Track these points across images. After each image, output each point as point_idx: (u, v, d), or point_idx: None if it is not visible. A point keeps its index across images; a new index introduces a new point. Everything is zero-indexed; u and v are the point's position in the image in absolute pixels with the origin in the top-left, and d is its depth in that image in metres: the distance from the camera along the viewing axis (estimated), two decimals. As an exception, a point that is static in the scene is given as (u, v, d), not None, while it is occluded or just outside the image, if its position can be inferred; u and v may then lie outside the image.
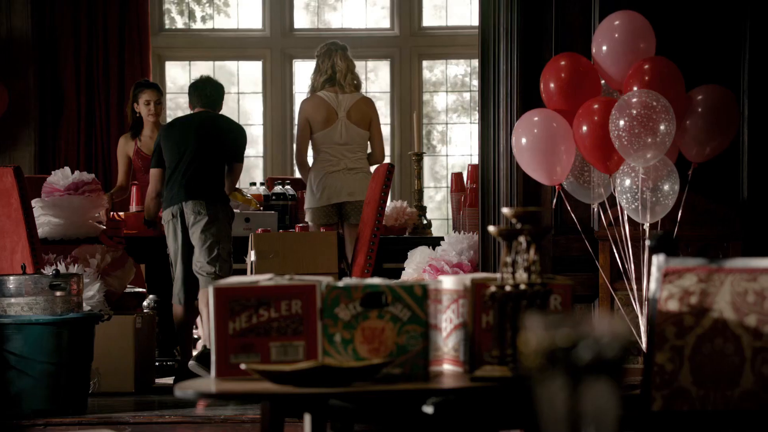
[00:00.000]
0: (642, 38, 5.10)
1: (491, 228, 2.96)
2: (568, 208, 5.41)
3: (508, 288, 2.91)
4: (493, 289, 2.90)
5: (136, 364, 6.52)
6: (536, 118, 5.15)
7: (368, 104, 7.54)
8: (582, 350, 1.13)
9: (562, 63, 5.19)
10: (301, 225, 7.17)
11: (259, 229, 6.87)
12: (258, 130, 11.01)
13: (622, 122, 4.91)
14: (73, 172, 6.98)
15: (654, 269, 2.75)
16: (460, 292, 3.07)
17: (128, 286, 7.03)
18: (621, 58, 5.08)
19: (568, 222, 5.73)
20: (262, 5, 10.88)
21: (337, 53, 7.37)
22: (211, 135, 6.91)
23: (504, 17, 5.69)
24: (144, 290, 7.29)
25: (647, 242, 2.83)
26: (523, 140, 5.13)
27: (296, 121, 7.58)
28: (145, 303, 7.22)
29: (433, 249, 6.41)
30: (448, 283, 3.12)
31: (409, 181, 10.37)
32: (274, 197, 7.78)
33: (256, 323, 2.94)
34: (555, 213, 5.72)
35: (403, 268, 6.51)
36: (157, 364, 6.98)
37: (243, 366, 2.84)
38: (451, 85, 11.23)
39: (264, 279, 3.02)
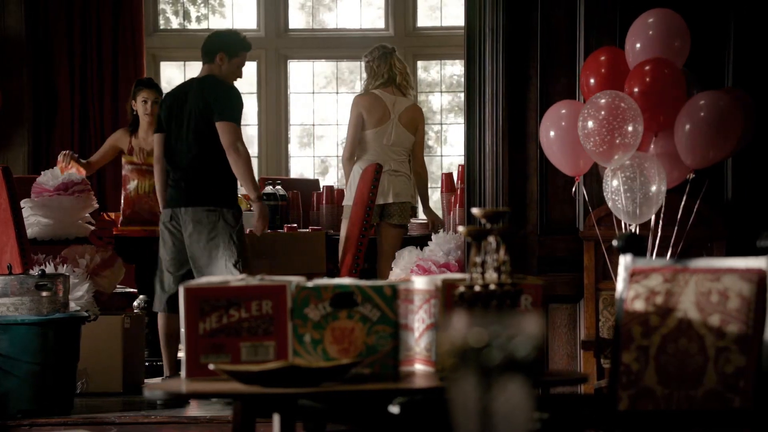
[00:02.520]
0: (677, 36, 5.09)
1: (460, 228, 2.97)
2: (586, 201, 5.42)
3: (477, 288, 2.91)
4: (461, 289, 2.91)
5: (125, 365, 6.53)
6: (563, 111, 5.17)
7: (418, 111, 7.51)
8: (493, 350, 1.14)
9: (602, 58, 5.19)
10: (290, 225, 7.18)
11: (248, 230, 6.87)
12: (253, 131, 11.02)
13: (590, 123, 4.94)
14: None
15: (621, 269, 2.76)
16: (431, 292, 3.08)
17: (118, 286, 7.04)
18: (656, 54, 5.06)
19: (553, 222, 5.74)
20: (256, 5, 10.89)
21: (393, 56, 7.35)
22: (190, 105, 6.25)
23: (489, 18, 5.69)
24: (135, 290, 7.29)
25: (614, 243, 2.83)
26: (551, 133, 5.14)
27: (349, 116, 7.43)
28: (135, 303, 7.22)
29: (421, 249, 6.42)
30: (420, 283, 3.13)
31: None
32: (264, 197, 7.77)
33: (226, 323, 2.95)
34: (540, 213, 5.73)
35: (391, 269, 6.52)
36: (147, 364, 6.98)
37: (211, 366, 2.85)
38: (447, 85, 11.24)
39: (235, 279, 3.03)
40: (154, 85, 7.73)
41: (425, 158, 11.22)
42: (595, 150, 4.93)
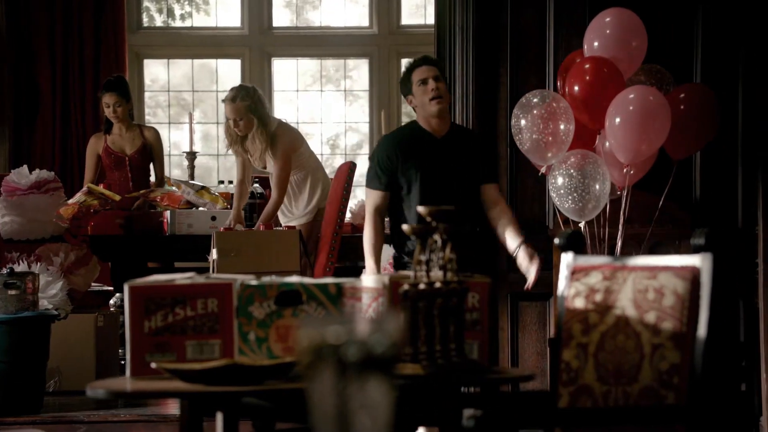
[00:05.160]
0: (634, 36, 5.10)
1: (405, 226, 2.97)
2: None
3: (422, 286, 2.92)
4: (405, 287, 2.91)
5: (98, 363, 6.53)
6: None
7: None
8: (351, 347, 1.14)
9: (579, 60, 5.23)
10: (264, 223, 7.17)
11: (222, 227, 6.87)
12: (237, 129, 11.01)
13: (523, 122, 4.97)
14: (31, 171, 6.95)
15: (563, 267, 2.76)
16: (379, 290, 3.08)
17: (94, 284, 7.03)
18: (611, 55, 5.07)
19: (523, 220, 5.73)
20: (240, 3, 10.89)
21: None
22: None
23: (459, 17, 5.69)
24: (111, 288, 7.28)
25: (556, 241, 2.84)
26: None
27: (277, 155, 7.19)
28: (111, 301, 7.22)
29: (395, 247, 6.38)
30: (368, 281, 3.13)
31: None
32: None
33: (171, 322, 2.95)
34: (511, 211, 5.72)
35: (363, 267, 6.50)
36: (122, 362, 6.98)
37: (153, 365, 2.85)
38: (432, 83, 11.23)
39: (181, 277, 3.03)
40: (116, 87, 7.71)
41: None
42: (521, 147, 4.99)
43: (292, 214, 7.16)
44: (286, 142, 7.03)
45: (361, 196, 10.48)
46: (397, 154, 5.04)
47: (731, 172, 5.58)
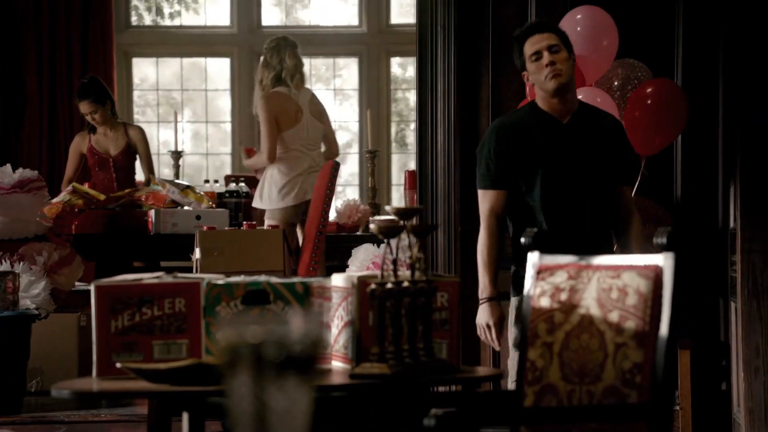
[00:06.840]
0: (605, 35, 5.10)
1: (372, 225, 2.97)
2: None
3: (389, 285, 2.91)
4: (373, 286, 2.90)
5: (80, 363, 6.52)
6: None
7: (316, 96, 7.49)
8: (270, 347, 1.13)
9: None
10: (250, 222, 7.16)
11: (205, 226, 6.85)
12: (227, 127, 11.02)
13: None
14: (15, 170, 6.93)
15: (529, 266, 2.76)
16: (349, 289, 3.07)
17: (79, 283, 7.01)
18: (583, 53, 5.07)
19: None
20: (230, 2, 10.88)
21: (287, 50, 7.31)
22: None
23: (441, 15, 5.69)
24: (95, 288, 7.26)
25: (522, 240, 2.83)
26: None
27: (260, 118, 7.33)
28: (96, 301, 7.20)
29: (378, 246, 6.39)
30: (338, 280, 3.12)
31: (377, 179, 10.36)
32: (227, 194, 7.78)
33: (138, 321, 2.95)
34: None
35: (347, 266, 6.50)
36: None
37: (118, 365, 2.84)
38: (421, 82, 11.22)
39: (148, 277, 3.02)
40: (89, 93, 7.67)
41: (402, 155, 11.25)
42: None
43: (262, 200, 7.19)
44: (267, 109, 7.12)
45: (350, 195, 10.48)
46: (512, 142, 4.11)
47: (712, 171, 5.57)
